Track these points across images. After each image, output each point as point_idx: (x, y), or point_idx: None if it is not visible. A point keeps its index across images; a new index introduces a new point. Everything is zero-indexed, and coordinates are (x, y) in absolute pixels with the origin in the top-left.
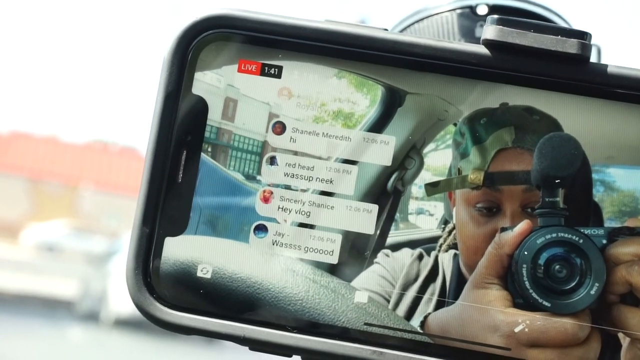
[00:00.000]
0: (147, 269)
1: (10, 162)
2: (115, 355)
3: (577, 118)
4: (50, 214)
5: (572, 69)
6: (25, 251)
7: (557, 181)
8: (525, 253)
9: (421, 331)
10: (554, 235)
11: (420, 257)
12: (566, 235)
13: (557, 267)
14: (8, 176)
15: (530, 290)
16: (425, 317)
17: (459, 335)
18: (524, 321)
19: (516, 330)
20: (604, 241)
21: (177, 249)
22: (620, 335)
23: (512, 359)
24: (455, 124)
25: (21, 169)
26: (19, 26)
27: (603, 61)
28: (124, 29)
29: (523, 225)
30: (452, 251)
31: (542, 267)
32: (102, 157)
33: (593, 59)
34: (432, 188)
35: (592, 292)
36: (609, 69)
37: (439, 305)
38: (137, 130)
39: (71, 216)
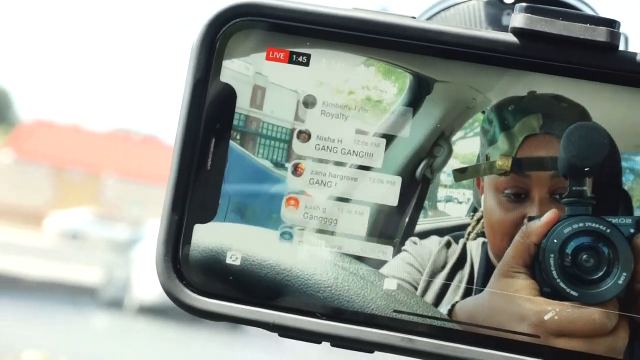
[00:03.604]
0: (176, 256)
1: (33, 150)
2: (139, 341)
3: (606, 106)
4: (73, 202)
5: (601, 57)
6: (49, 238)
7: (584, 170)
8: (554, 241)
9: (449, 318)
10: (581, 224)
11: (448, 245)
12: (593, 224)
13: (585, 256)
14: (32, 164)
15: (558, 280)
16: (453, 305)
17: (486, 323)
18: (552, 310)
19: (545, 318)
20: (632, 230)
21: (206, 236)
22: None
23: (540, 346)
24: (483, 112)
25: (44, 157)
26: (43, 16)
27: (630, 49)
28: (148, 17)
29: (550, 215)
30: (481, 239)
31: (570, 257)
32: (124, 146)
33: (621, 47)
34: (460, 174)
35: (620, 281)
36: (638, 57)
37: (467, 293)
38: (160, 119)
39: (94, 204)
